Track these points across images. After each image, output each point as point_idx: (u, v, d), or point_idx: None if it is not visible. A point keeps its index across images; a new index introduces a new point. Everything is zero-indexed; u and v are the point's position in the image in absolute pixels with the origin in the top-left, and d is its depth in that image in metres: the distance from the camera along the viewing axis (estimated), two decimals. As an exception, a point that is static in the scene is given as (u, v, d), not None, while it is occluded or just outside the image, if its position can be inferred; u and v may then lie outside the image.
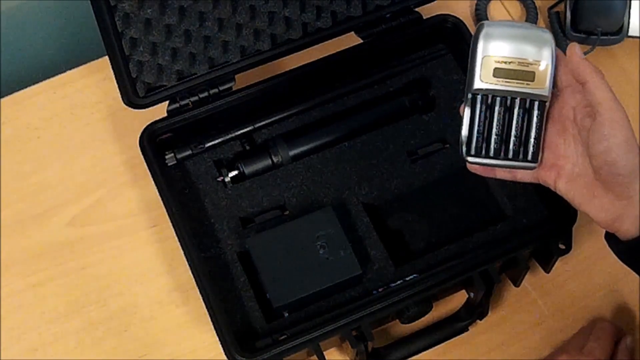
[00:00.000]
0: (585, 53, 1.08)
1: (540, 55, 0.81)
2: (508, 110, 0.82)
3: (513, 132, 0.82)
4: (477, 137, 0.82)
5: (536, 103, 0.81)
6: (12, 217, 1.04)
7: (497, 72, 0.81)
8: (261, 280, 0.91)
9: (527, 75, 0.81)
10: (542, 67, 0.81)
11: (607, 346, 0.93)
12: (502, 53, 0.81)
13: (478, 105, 0.82)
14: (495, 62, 0.81)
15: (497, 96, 0.81)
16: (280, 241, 0.92)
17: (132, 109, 0.96)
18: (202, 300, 0.89)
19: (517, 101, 0.81)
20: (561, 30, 1.11)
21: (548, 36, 0.81)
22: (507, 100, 0.81)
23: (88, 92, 1.10)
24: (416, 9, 1.02)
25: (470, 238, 0.95)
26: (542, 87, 0.81)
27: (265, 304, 0.92)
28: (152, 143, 0.97)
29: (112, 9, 0.91)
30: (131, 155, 1.04)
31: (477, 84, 0.81)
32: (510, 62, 0.81)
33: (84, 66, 1.11)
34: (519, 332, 0.98)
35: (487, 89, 0.81)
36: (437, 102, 1.02)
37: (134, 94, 0.95)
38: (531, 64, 0.81)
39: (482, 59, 0.81)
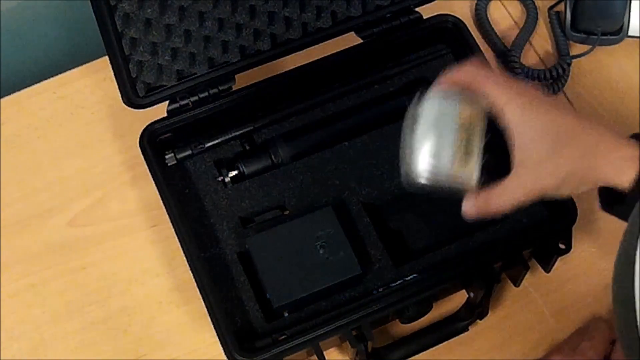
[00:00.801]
0: (585, 53, 1.09)
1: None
2: None
3: None
4: None
5: None
6: (12, 217, 1.04)
7: None
8: (261, 280, 0.91)
9: None
10: None
11: (600, 346, 0.93)
12: None
13: None
14: None
15: None
16: (280, 241, 0.92)
17: (132, 109, 0.96)
18: (202, 300, 0.89)
19: None
20: (561, 30, 1.11)
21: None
22: None
23: (88, 92, 1.10)
24: (416, 9, 1.02)
25: (470, 238, 0.95)
26: None
27: (265, 304, 0.92)
28: (152, 143, 0.97)
29: (112, 9, 0.91)
30: (131, 155, 1.04)
31: None
32: None
33: (84, 66, 1.11)
34: (519, 332, 0.98)
35: None
36: (437, 102, 1.02)
37: (134, 94, 0.95)
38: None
39: None
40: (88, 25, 0.94)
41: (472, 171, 0.79)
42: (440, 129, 0.79)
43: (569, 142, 0.76)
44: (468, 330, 0.97)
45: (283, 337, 0.90)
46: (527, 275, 0.97)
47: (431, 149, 0.79)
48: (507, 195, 0.78)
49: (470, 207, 0.80)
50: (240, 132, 1.00)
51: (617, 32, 1.10)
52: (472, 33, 1.03)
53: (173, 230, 0.93)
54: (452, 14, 1.03)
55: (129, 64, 0.94)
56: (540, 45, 1.13)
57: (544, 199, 0.79)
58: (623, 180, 0.74)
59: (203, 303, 0.89)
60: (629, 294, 0.53)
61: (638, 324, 0.53)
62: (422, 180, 0.79)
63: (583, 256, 1.01)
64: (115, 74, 0.94)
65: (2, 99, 1.09)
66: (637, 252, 0.53)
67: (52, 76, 1.10)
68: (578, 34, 1.10)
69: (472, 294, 0.95)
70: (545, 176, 0.76)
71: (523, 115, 0.76)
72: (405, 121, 0.81)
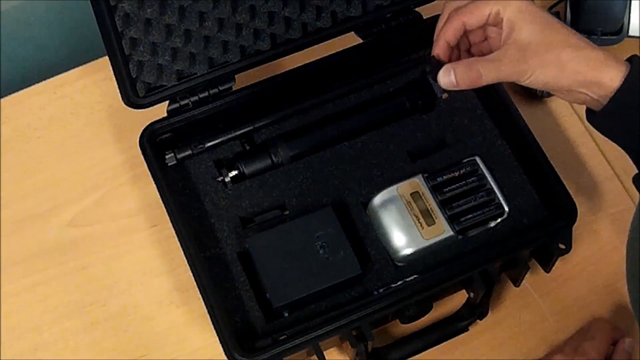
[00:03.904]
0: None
1: None
2: None
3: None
4: None
5: None
6: (12, 217, 1.04)
7: None
8: (261, 280, 0.91)
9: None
10: None
11: (602, 346, 0.93)
12: None
13: None
14: None
15: None
16: (280, 241, 0.92)
17: (132, 109, 0.96)
18: (202, 300, 0.90)
19: None
20: (561, 30, 1.11)
21: None
22: None
23: (88, 92, 1.10)
24: (416, 9, 1.02)
25: (470, 238, 0.95)
26: None
27: (265, 304, 0.92)
28: (152, 143, 0.97)
29: (112, 9, 0.92)
30: (131, 155, 1.04)
31: None
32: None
33: (84, 66, 1.11)
34: (519, 332, 0.98)
35: None
36: (437, 102, 1.02)
37: (134, 94, 0.95)
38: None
39: None
40: (88, 25, 0.94)
41: (442, 226, 0.93)
42: (394, 215, 0.94)
43: (558, 31, 0.81)
44: (468, 330, 0.97)
45: (283, 337, 0.90)
46: (527, 275, 0.97)
47: (397, 230, 0.93)
48: (490, 65, 0.81)
49: (446, 78, 0.82)
50: (240, 132, 1.00)
51: (617, 32, 1.10)
52: (472, 33, 1.02)
53: (173, 230, 0.93)
54: (452, 14, 1.03)
55: (129, 64, 0.94)
56: (540, 45, 1.13)
57: (520, 83, 0.81)
58: (604, 76, 0.79)
59: (203, 303, 0.89)
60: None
61: None
62: (406, 252, 0.93)
63: (583, 256, 1.01)
64: (115, 74, 0.94)
65: (2, 99, 1.09)
66: None
67: (52, 76, 1.10)
68: (578, 34, 1.10)
69: (472, 294, 0.95)
70: (530, 55, 0.80)
71: (520, 12, 0.81)
72: (370, 218, 0.95)
